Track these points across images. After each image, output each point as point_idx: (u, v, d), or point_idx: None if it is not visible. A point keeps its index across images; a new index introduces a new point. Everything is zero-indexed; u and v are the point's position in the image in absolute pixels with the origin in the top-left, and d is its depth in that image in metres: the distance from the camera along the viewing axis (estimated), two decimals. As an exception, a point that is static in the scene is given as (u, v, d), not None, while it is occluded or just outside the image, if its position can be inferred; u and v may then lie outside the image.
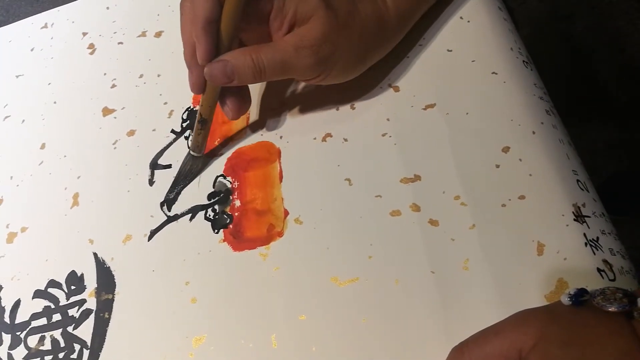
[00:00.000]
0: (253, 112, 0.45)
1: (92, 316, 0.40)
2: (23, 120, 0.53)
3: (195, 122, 0.42)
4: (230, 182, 0.42)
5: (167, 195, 0.43)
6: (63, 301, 0.41)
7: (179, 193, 0.43)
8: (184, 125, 0.47)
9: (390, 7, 0.40)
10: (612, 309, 0.25)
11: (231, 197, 0.42)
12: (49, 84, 0.54)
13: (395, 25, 0.41)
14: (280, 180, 0.41)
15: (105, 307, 0.40)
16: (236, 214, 0.41)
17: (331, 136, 0.42)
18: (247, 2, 0.36)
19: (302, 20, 0.37)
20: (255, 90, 0.46)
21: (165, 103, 0.49)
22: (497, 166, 0.37)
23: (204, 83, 0.39)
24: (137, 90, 0.50)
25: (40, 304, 0.42)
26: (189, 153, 0.44)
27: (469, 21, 0.43)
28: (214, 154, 0.44)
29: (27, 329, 0.41)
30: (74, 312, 0.41)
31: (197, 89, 0.40)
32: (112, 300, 0.40)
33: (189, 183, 0.44)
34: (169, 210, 0.43)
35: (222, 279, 0.38)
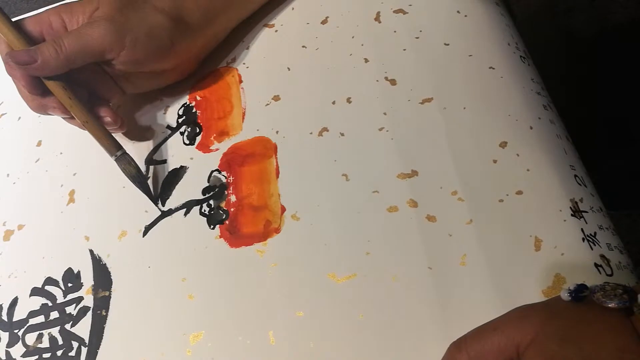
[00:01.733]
0: (249, 107, 0.45)
1: (89, 313, 0.40)
2: (19, 118, 0.53)
3: None
4: (225, 177, 0.42)
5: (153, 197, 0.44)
6: (60, 299, 0.41)
7: (148, 188, 0.44)
8: (180, 120, 0.47)
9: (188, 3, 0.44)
10: (612, 305, 0.25)
11: (226, 192, 0.41)
12: (45, 80, 0.54)
13: (198, 21, 0.44)
14: (277, 176, 0.41)
15: (102, 304, 0.40)
16: (232, 209, 0.41)
17: (327, 131, 0.42)
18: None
19: (93, 12, 0.42)
20: (251, 85, 0.46)
21: (161, 99, 0.48)
22: (495, 161, 0.37)
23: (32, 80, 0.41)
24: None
25: (38, 301, 0.42)
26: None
27: (466, 15, 0.43)
28: (210, 149, 0.44)
29: (25, 327, 0.41)
30: (71, 309, 0.41)
31: (30, 101, 0.43)
32: (109, 297, 0.40)
33: (142, 178, 0.44)
34: (163, 205, 0.43)
35: (219, 276, 0.38)
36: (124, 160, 0.43)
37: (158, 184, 0.44)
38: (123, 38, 0.41)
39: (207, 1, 0.45)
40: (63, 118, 0.44)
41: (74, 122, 0.44)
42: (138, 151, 0.46)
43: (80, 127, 0.43)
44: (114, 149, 0.43)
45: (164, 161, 0.45)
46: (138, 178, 0.43)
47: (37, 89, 0.41)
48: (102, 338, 0.39)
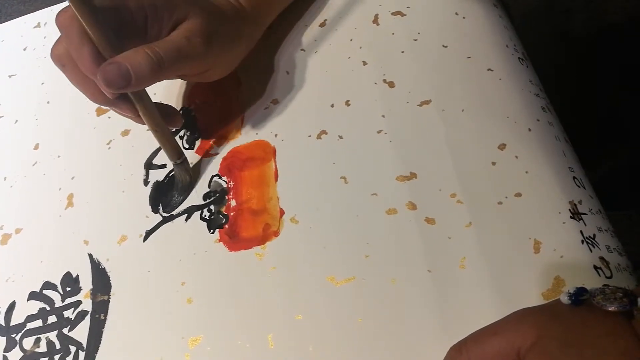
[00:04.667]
0: (248, 111, 0.45)
1: (87, 317, 0.40)
2: (16, 121, 0.53)
3: None
4: (226, 182, 0.42)
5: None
6: (58, 303, 0.41)
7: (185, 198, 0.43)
8: (179, 124, 0.46)
9: (242, 1, 0.43)
10: (612, 308, 0.25)
11: (227, 197, 0.41)
12: (42, 83, 0.54)
13: (252, 16, 0.44)
14: (276, 180, 0.41)
15: (100, 309, 0.40)
16: (232, 213, 0.41)
17: (326, 133, 0.41)
18: (104, 14, 0.35)
19: (180, 20, 0.38)
20: (250, 88, 0.46)
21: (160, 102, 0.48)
22: (493, 163, 0.37)
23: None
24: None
25: (36, 305, 0.42)
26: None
27: (464, 17, 0.43)
28: (209, 153, 0.44)
29: (23, 331, 0.41)
30: (69, 313, 0.40)
31: (100, 97, 0.38)
32: (108, 301, 0.40)
33: (190, 188, 0.43)
34: (165, 211, 0.42)
35: (218, 279, 0.38)
36: (182, 167, 0.42)
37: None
38: (213, 61, 0.41)
39: None
40: (121, 115, 0.41)
41: (137, 120, 0.41)
42: (137, 155, 0.46)
43: (141, 123, 0.40)
44: (177, 155, 0.42)
45: (164, 166, 0.44)
46: (187, 188, 0.43)
47: (104, 99, 0.38)
48: (100, 342, 0.39)
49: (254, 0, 0.44)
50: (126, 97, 0.38)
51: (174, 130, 0.46)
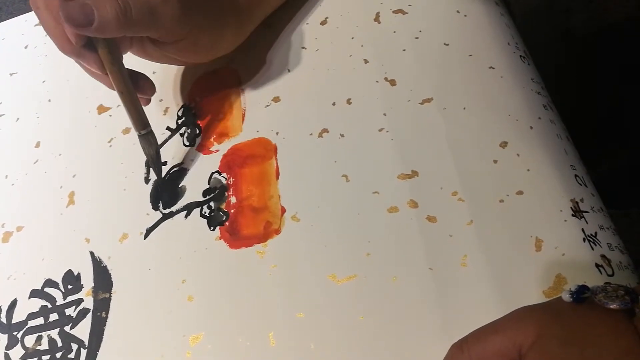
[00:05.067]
0: (249, 108, 0.45)
1: (89, 315, 0.40)
2: (17, 119, 0.53)
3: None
4: (226, 179, 0.42)
5: (156, 181, 0.43)
6: (60, 300, 0.41)
7: (160, 173, 0.43)
8: (179, 122, 0.46)
9: None
10: (614, 306, 0.25)
11: (226, 194, 0.41)
12: (44, 81, 0.54)
13: (246, 10, 0.43)
14: (277, 177, 0.41)
15: (102, 306, 0.40)
16: (232, 211, 0.41)
17: (328, 132, 0.41)
18: None
19: None
20: (251, 86, 0.46)
21: (161, 100, 0.48)
22: (495, 161, 0.37)
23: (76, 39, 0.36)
24: (132, 87, 0.50)
25: (37, 303, 0.42)
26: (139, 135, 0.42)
27: (465, 15, 0.43)
28: (209, 150, 0.44)
29: (24, 329, 0.41)
30: (71, 311, 0.40)
31: (67, 45, 0.37)
32: (109, 299, 0.40)
33: (159, 162, 0.43)
34: (164, 208, 0.42)
35: (219, 277, 0.38)
36: (147, 139, 0.42)
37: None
38: (187, 32, 0.39)
39: None
40: (89, 74, 0.41)
41: (104, 81, 0.40)
42: (138, 153, 0.46)
43: (109, 86, 0.40)
44: (141, 125, 0.41)
45: (164, 163, 0.44)
46: (155, 161, 0.42)
47: (82, 39, 0.36)
48: (101, 340, 0.39)
49: None
50: (94, 49, 0.37)
51: (175, 129, 0.46)
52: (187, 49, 0.41)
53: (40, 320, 0.41)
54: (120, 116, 0.48)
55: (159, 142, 0.46)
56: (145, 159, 0.45)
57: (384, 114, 0.41)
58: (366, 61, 0.43)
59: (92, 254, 0.42)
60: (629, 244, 0.37)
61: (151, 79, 0.42)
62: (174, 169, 0.44)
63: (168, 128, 0.46)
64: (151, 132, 0.42)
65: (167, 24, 0.37)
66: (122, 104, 0.40)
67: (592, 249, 0.33)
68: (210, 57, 0.44)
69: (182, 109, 0.47)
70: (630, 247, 0.35)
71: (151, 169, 0.44)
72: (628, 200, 0.91)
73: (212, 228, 0.40)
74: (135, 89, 0.40)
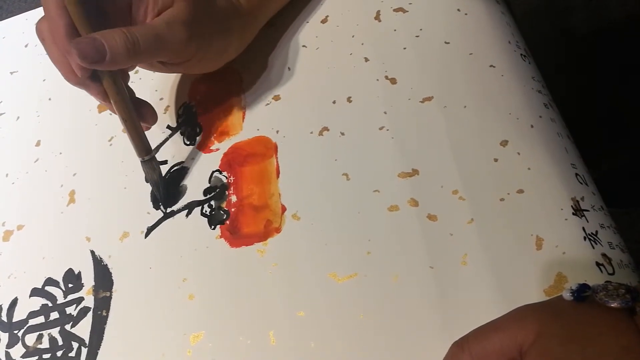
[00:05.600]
0: (249, 107, 0.45)
1: (89, 314, 0.40)
2: (18, 117, 0.53)
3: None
4: (226, 177, 0.42)
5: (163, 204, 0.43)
6: (60, 299, 0.41)
7: (168, 195, 0.43)
8: (180, 120, 0.46)
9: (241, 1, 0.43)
10: (614, 304, 0.25)
11: (227, 193, 0.41)
12: (44, 80, 0.54)
13: (248, 11, 0.43)
14: (278, 176, 0.41)
15: (102, 305, 0.40)
16: (233, 209, 0.40)
17: (328, 130, 0.41)
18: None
19: (165, 6, 0.38)
20: (251, 84, 0.46)
21: (161, 99, 0.48)
22: (496, 160, 0.37)
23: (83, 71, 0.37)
24: (133, 86, 0.49)
25: (38, 302, 0.42)
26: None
27: (466, 14, 0.43)
28: (210, 149, 0.44)
29: (25, 328, 0.41)
30: (71, 310, 0.40)
31: (72, 76, 0.37)
32: (110, 297, 0.40)
33: (162, 186, 0.43)
34: (165, 207, 0.42)
35: (220, 276, 0.38)
36: (149, 165, 0.42)
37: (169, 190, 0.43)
38: (195, 51, 0.39)
39: None
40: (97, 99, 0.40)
41: (108, 106, 0.40)
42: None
43: (112, 111, 0.40)
44: (144, 151, 0.41)
45: (165, 162, 0.44)
46: (158, 187, 0.43)
47: (87, 71, 0.37)
48: (102, 338, 0.39)
49: None
50: (98, 80, 0.38)
51: (172, 130, 0.46)
52: (195, 66, 0.42)
53: (41, 319, 0.41)
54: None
55: (161, 141, 0.46)
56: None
57: (385, 113, 0.41)
58: (367, 59, 0.43)
59: (92, 252, 0.42)
60: (630, 242, 0.37)
61: (153, 106, 0.43)
62: (175, 168, 0.44)
63: (168, 127, 0.46)
64: (154, 158, 0.42)
65: (175, 48, 0.38)
66: (126, 130, 0.40)
67: (593, 247, 0.33)
68: (217, 66, 0.44)
69: (182, 107, 0.47)
70: (631, 246, 0.35)
71: (156, 195, 0.43)
72: (628, 199, 0.91)
73: (212, 227, 0.40)
74: (137, 117, 0.40)
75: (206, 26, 0.40)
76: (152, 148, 0.42)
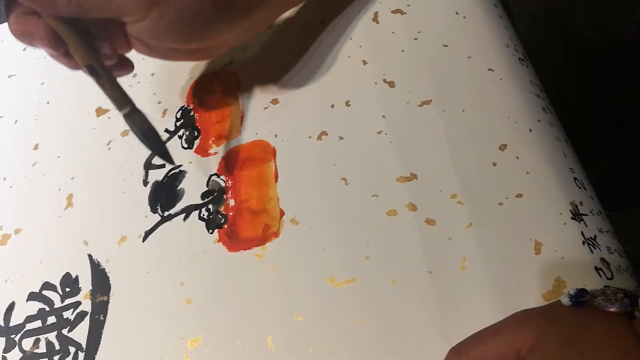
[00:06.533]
0: (247, 110, 0.45)
1: (87, 318, 0.40)
2: (16, 121, 0.53)
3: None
4: (224, 181, 0.42)
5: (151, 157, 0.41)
6: (58, 303, 0.41)
7: (162, 150, 0.39)
8: (178, 124, 0.46)
9: None
10: (613, 309, 0.25)
11: (225, 196, 0.41)
12: (42, 83, 0.54)
13: (241, 6, 0.37)
14: (276, 180, 0.41)
15: (100, 309, 0.40)
16: (231, 213, 0.40)
17: (326, 134, 0.41)
18: None
19: None
20: (250, 88, 0.46)
21: (159, 102, 0.48)
22: (494, 164, 0.36)
23: None
24: (131, 89, 0.49)
25: (35, 306, 0.42)
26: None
27: (464, 17, 0.43)
28: (208, 153, 0.44)
29: (22, 332, 0.41)
30: (68, 314, 0.40)
31: None
32: (107, 302, 0.40)
33: (153, 139, 0.38)
34: (162, 210, 0.42)
35: (218, 280, 0.38)
36: (131, 117, 0.37)
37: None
38: (149, 8, 0.34)
39: None
40: (49, 54, 0.36)
41: (67, 62, 0.36)
42: (136, 156, 0.46)
43: (73, 67, 0.36)
44: (124, 103, 0.36)
45: (163, 165, 0.44)
46: (149, 141, 0.38)
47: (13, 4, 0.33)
48: (99, 343, 0.39)
49: None
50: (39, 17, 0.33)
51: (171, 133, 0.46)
52: (156, 30, 0.35)
53: (38, 323, 0.41)
54: (119, 118, 0.48)
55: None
56: (143, 160, 0.45)
57: (383, 116, 0.41)
58: (365, 62, 0.43)
59: (90, 256, 0.42)
60: (629, 245, 0.36)
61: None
62: (172, 172, 0.44)
63: (166, 130, 0.46)
64: (134, 111, 0.37)
65: (116, 10, 0.33)
66: (95, 82, 0.36)
67: (592, 252, 0.32)
68: (197, 43, 0.38)
69: (180, 110, 0.47)
70: (629, 248, 0.35)
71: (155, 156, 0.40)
72: (626, 201, 0.91)
73: (210, 231, 0.40)
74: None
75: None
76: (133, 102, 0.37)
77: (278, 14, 0.44)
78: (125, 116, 0.37)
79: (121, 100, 0.36)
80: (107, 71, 0.36)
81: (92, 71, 0.35)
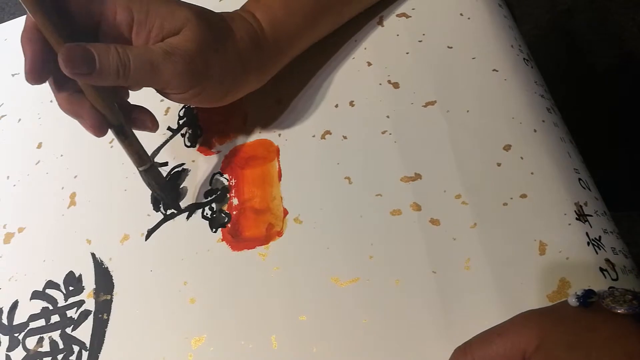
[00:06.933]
0: (251, 109, 0.45)
1: (90, 317, 0.40)
2: (19, 120, 0.53)
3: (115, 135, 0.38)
4: (227, 180, 0.42)
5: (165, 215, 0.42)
6: (61, 302, 0.41)
7: (174, 200, 0.42)
8: (181, 122, 0.46)
9: (266, 30, 0.39)
10: (621, 311, 0.25)
11: (228, 195, 0.41)
12: (46, 82, 0.54)
13: (273, 48, 0.40)
14: (280, 179, 0.41)
15: (103, 308, 0.40)
16: (234, 212, 0.40)
17: (330, 134, 0.41)
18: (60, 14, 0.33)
19: (171, 33, 0.35)
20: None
21: (162, 100, 0.48)
22: (499, 164, 0.36)
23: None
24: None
25: (39, 305, 0.42)
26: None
27: (469, 18, 0.43)
28: (211, 151, 0.44)
29: (25, 331, 0.41)
30: (72, 313, 0.40)
31: (34, 76, 0.35)
32: (111, 301, 0.40)
33: (167, 194, 0.42)
34: (165, 210, 0.42)
35: (221, 279, 0.38)
36: (148, 174, 0.40)
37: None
38: (192, 86, 0.36)
39: (298, 20, 0.40)
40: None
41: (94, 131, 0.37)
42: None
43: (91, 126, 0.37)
44: (140, 162, 0.39)
45: (165, 163, 0.44)
46: (163, 192, 0.41)
47: (65, 84, 0.35)
48: (103, 342, 0.39)
49: (278, 31, 0.40)
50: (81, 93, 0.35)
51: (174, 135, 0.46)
52: (195, 99, 0.38)
53: (41, 322, 0.41)
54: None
55: (161, 142, 0.45)
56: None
57: (387, 117, 0.41)
58: (369, 64, 0.43)
59: (93, 255, 0.42)
60: (631, 246, 0.36)
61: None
62: (175, 170, 0.44)
63: (169, 128, 0.46)
64: (153, 167, 0.40)
65: (169, 79, 0.35)
66: (120, 141, 0.38)
67: (596, 252, 0.32)
68: (225, 102, 0.40)
69: (183, 109, 0.47)
70: (632, 250, 0.35)
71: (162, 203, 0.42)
72: (629, 203, 0.91)
73: (214, 230, 0.40)
74: (133, 123, 0.38)
75: (214, 63, 0.36)
76: (149, 155, 0.40)
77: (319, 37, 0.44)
78: (145, 172, 0.39)
79: (145, 157, 0.39)
80: (130, 131, 0.38)
81: (120, 131, 0.37)
